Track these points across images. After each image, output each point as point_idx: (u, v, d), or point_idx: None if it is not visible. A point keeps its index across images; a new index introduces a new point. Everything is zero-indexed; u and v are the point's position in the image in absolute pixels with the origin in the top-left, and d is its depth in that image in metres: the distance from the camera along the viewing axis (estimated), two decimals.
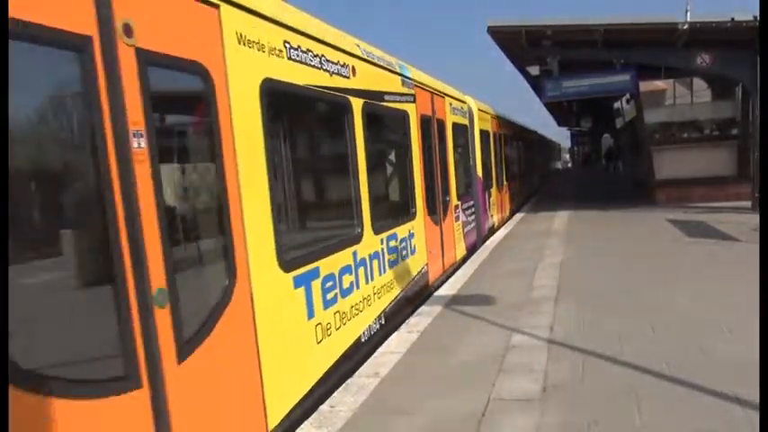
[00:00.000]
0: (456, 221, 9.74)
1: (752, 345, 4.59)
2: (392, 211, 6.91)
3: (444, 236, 8.85)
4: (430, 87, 8.46)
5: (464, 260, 10.06)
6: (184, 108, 3.59)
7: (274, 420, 3.84)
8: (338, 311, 4.93)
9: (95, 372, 2.57)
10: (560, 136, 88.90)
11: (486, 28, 12.84)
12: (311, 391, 4.35)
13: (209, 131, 3.47)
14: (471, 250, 10.79)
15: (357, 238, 5.48)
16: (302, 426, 4.03)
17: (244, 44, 3.78)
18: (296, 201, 4.88)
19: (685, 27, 12.15)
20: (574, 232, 12.36)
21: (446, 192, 9.06)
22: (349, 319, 5.15)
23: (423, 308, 6.96)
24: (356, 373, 4.96)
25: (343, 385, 4.70)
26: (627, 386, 4.23)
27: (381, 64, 6.49)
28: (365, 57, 5.97)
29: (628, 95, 18.51)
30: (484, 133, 12.62)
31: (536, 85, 16.93)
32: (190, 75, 3.31)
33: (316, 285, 4.51)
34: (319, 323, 4.57)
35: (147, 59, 2.90)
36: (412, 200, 7.43)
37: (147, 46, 2.92)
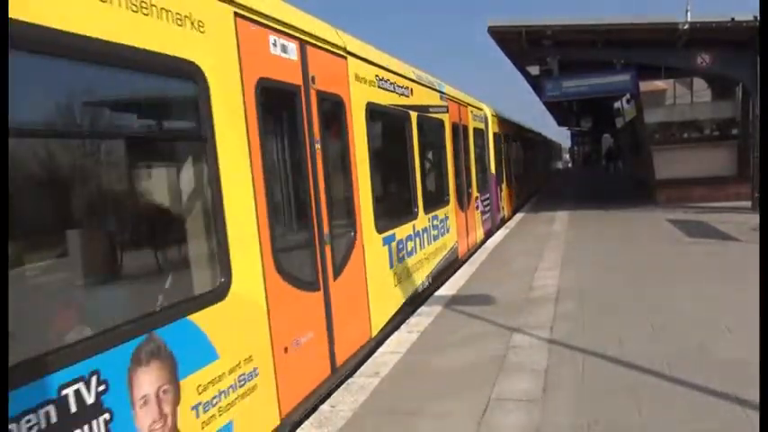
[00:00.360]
0: (476, 210, 11.54)
1: (752, 344, 4.59)
2: (435, 198, 8.66)
3: (468, 221, 10.77)
4: (458, 99, 10.32)
5: (482, 243, 11.86)
6: (332, 123, 5.19)
7: (374, 331, 5.69)
8: (405, 266, 6.79)
9: (306, 277, 4.46)
10: (560, 136, 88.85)
11: (487, 28, 12.85)
12: (390, 319, 6.18)
13: (343, 139, 5.31)
14: (488, 236, 12.60)
15: (415, 216, 7.42)
16: (303, 425, 4.03)
17: (358, 80, 5.65)
18: (381, 186, 6.47)
19: (685, 27, 12.15)
20: (574, 232, 12.36)
21: (469, 185, 10.85)
22: (412, 274, 7.07)
23: (423, 308, 6.97)
24: (357, 373, 4.97)
25: (344, 385, 4.71)
26: (627, 386, 4.24)
27: (427, 84, 8.30)
28: (418, 80, 7.71)
29: (628, 95, 18.50)
30: (496, 136, 14.38)
31: (536, 84, 16.94)
32: (335, 103, 5.15)
33: (393, 245, 6.41)
34: (395, 272, 6.46)
35: (320, 96, 4.73)
36: (447, 190, 9.40)
37: (320, 88, 4.74)
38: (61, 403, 2.31)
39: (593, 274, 8.13)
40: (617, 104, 23.30)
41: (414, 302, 7.02)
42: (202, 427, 3.11)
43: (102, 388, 2.50)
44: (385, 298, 6.11)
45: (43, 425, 2.23)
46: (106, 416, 2.51)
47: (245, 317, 3.58)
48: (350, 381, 4.80)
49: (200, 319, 3.14)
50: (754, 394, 3.78)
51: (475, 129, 11.74)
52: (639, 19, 12.58)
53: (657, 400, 3.99)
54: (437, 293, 7.69)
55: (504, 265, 9.34)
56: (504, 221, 15.23)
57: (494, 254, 10.42)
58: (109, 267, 3.23)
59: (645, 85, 16.03)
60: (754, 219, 11.61)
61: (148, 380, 2.76)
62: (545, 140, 37.50)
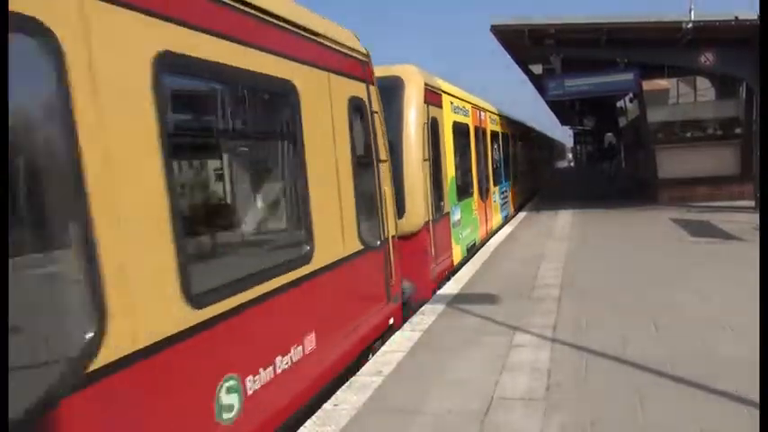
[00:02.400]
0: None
1: (753, 343, 4.58)
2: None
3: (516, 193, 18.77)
4: (532, 129, 18.99)
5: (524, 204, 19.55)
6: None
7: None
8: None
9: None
10: (562, 135, 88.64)
11: (490, 27, 12.84)
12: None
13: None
14: (521, 206, 18.79)
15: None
16: (306, 424, 4.04)
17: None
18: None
19: (689, 26, 12.12)
20: (576, 231, 12.36)
21: (529, 166, 16.22)
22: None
23: (426, 306, 6.98)
24: (359, 372, 4.97)
25: (347, 383, 4.71)
26: (630, 384, 4.25)
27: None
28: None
29: (631, 94, 18.46)
30: (521, 138, 18.84)
31: (539, 83, 16.92)
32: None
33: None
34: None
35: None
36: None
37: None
38: (505, 190, 15.17)
39: (596, 273, 8.13)
40: (620, 103, 23.28)
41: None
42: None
43: (500, 193, 14.14)
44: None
45: (497, 196, 13.75)
46: (502, 197, 14.49)
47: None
48: (353, 379, 4.80)
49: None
50: (756, 393, 3.77)
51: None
52: (643, 18, 12.57)
53: (660, 398, 3.99)
54: (440, 292, 7.70)
55: (507, 263, 9.35)
56: (527, 200, 19.95)
57: (496, 252, 10.42)
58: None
59: (648, 84, 16.01)
60: (757, 218, 11.58)
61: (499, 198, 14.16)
62: (554, 142, 37.84)
